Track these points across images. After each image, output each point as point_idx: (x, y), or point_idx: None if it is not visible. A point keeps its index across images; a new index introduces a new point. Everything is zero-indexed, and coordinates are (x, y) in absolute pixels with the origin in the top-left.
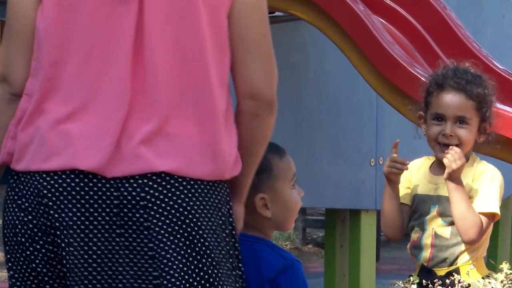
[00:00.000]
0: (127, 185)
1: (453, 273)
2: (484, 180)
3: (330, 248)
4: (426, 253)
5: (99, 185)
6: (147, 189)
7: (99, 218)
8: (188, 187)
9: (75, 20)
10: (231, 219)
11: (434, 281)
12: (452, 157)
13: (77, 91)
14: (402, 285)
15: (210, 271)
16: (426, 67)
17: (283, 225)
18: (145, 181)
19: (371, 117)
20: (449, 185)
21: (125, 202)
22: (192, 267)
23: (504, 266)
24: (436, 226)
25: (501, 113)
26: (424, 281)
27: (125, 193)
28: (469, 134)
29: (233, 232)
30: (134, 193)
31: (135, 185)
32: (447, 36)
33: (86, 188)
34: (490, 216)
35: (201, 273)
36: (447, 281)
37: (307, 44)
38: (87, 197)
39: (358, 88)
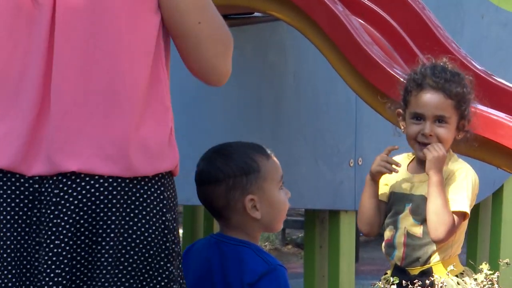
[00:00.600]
0: (46, 184)
1: (432, 274)
2: (457, 179)
3: (309, 248)
4: (399, 252)
5: (18, 184)
6: (57, 190)
7: (21, 213)
8: (102, 188)
9: None
10: (164, 218)
11: (414, 281)
12: (432, 147)
13: (3, 92)
14: (382, 286)
15: (86, 271)
16: (405, 68)
17: (272, 226)
18: (58, 181)
19: (350, 117)
20: (431, 179)
21: (40, 199)
22: (70, 267)
23: (484, 267)
24: (408, 224)
25: (478, 113)
26: (404, 281)
27: (41, 191)
28: (448, 133)
29: (165, 231)
30: (48, 191)
31: (52, 184)
32: (426, 37)
33: (5, 186)
34: (461, 215)
35: (77, 273)
36: (427, 281)
37: (285, 45)
38: (9, 193)
39: (337, 89)
